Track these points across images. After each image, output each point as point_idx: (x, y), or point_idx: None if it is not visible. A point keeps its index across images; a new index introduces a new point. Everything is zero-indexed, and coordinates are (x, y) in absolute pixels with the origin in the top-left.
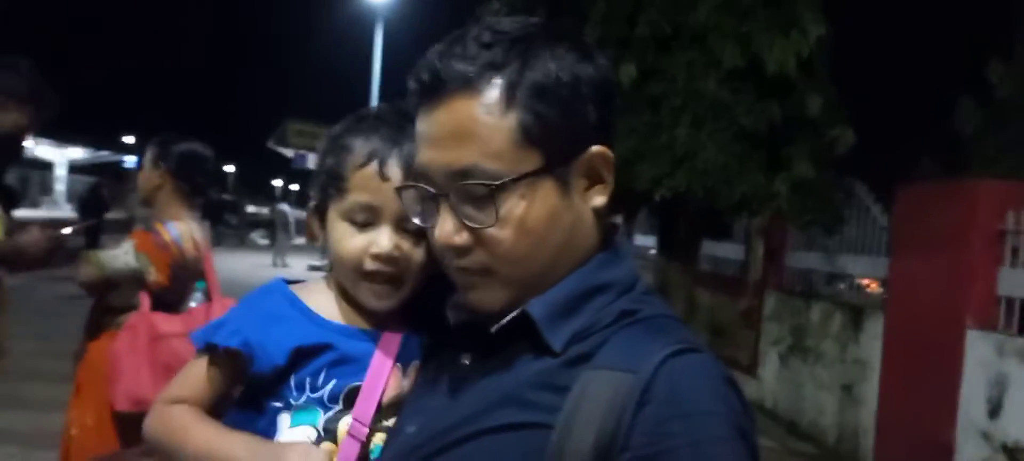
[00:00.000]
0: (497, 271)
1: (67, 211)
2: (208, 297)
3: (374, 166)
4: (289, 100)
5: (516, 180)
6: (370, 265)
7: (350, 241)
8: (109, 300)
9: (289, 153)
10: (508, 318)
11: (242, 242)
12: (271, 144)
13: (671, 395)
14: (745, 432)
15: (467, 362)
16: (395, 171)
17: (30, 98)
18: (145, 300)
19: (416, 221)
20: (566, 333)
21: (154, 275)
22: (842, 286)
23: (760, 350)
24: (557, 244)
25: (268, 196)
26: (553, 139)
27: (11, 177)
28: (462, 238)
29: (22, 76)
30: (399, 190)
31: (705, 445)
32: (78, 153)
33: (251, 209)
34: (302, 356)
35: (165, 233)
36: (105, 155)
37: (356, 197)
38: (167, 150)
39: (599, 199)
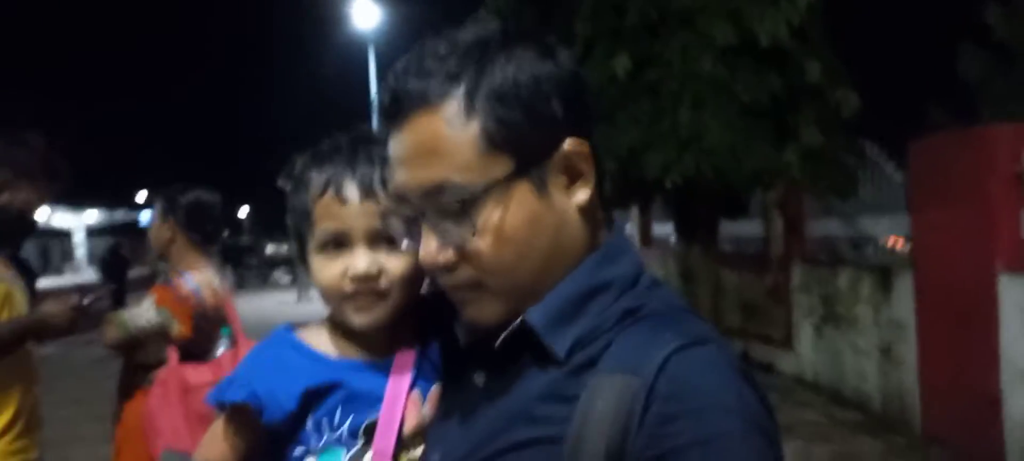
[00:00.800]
0: (486, 284)
1: (90, 275)
2: (234, 342)
3: (331, 192)
4: (296, 136)
5: (487, 188)
6: (350, 287)
7: (328, 270)
8: (138, 358)
9: None
10: (509, 330)
11: (265, 282)
12: (281, 182)
13: (676, 392)
14: (762, 427)
15: (481, 382)
16: (352, 192)
17: (42, 173)
18: (173, 354)
19: (404, 244)
20: (569, 339)
21: (178, 328)
22: (869, 248)
23: (793, 323)
24: (543, 248)
25: (286, 233)
26: (520, 141)
27: (30, 248)
28: (446, 256)
29: (33, 152)
30: (383, 215)
31: (716, 442)
32: (94, 216)
33: (270, 248)
34: (313, 398)
35: (183, 285)
36: (120, 215)
37: (322, 226)
38: (174, 203)
39: (582, 195)
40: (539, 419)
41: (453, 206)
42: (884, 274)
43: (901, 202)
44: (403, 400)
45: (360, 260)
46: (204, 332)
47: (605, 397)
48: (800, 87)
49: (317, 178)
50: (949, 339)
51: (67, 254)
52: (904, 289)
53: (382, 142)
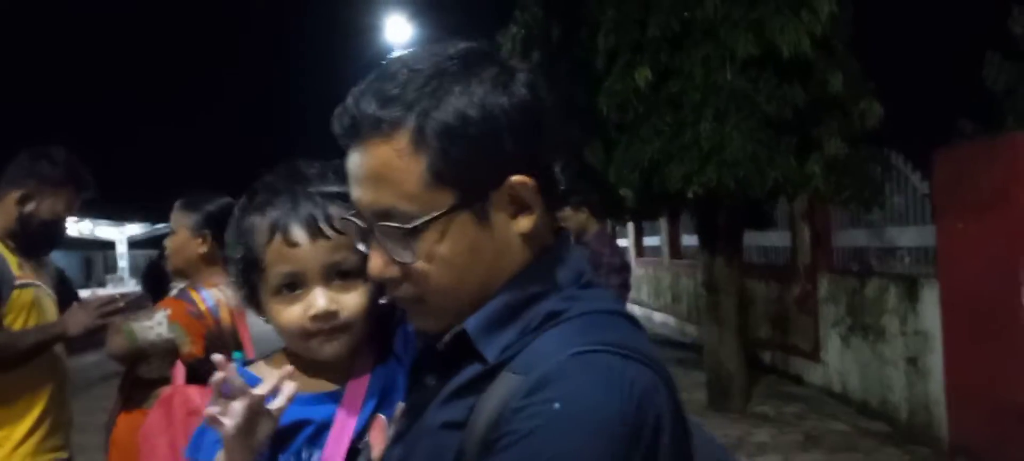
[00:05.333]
0: (427, 301)
1: (132, 286)
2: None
3: (279, 236)
4: (323, 150)
5: (429, 220)
6: (312, 326)
7: (287, 313)
8: (140, 372)
9: None
10: (449, 335)
11: None
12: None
13: (543, 387)
14: (613, 435)
15: (432, 384)
16: (300, 234)
17: (66, 183)
18: (179, 372)
19: (360, 247)
20: (500, 344)
21: (189, 346)
22: (907, 259)
23: (820, 334)
24: (482, 274)
25: None
26: (465, 177)
27: (74, 259)
28: (391, 271)
29: (56, 163)
30: (349, 208)
31: (550, 431)
32: (136, 229)
33: None
34: (280, 439)
35: (200, 302)
36: (162, 228)
37: (275, 270)
38: (209, 215)
39: (525, 224)
40: (452, 407)
41: (397, 231)
42: (910, 284)
43: (927, 213)
44: (352, 424)
45: (318, 299)
46: (216, 354)
47: (498, 390)
48: (823, 98)
49: (261, 224)
50: (976, 350)
51: (110, 265)
52: (931, 299)
53: (317, 178)
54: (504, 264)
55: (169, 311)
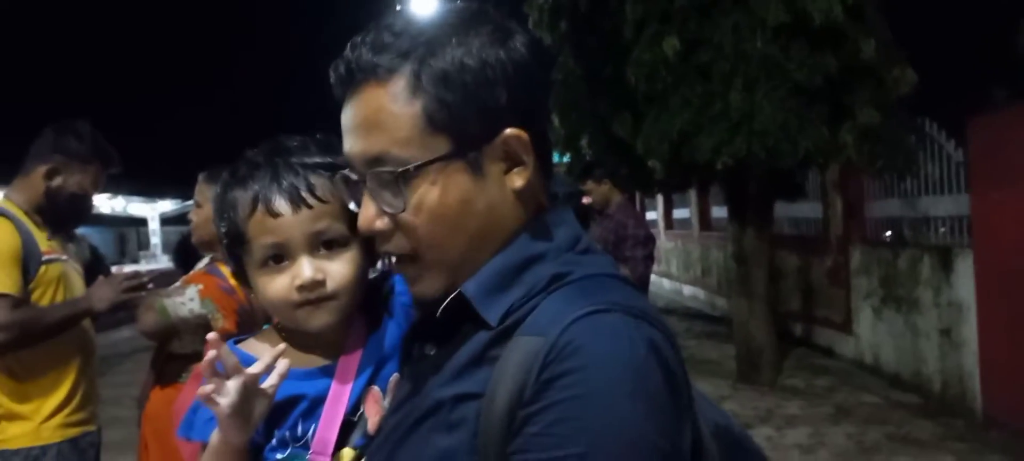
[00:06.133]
0: (420, 256)
1: (164, 262)
2: None
3: (261, 208)
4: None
5: (422, 166)
6: (298, 296)
7: (274, 284)
8: (172, 348)
9: None
10: (448, 300)
11: None
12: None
13: (571, 352)
14: (649, 394)
15: (432, 354)
16: (282, 205)
17: (92, 158)
18: None
19: (351, 207)
20: (501, 307)
21: (221, 322)
22: (942, 229)
23: (852, 306)
24: (474, 228)
25: None
26: (460, 125)
27: (108, 235)
28: (382, 223)
29: (82, 138)
30: (331, 178)
31: (595, 398)
32: (168, 206)
33: None
34: (275, 415)
35: (230, 276)
36: (192, 204)
37: (260, 243)
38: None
39: (519, 180)
40: (466, 378)
41: (390, 178)
42: (944, 255)
43: (962, 182)
44: (345, 397)
45: (304, 268)
46: (248, 328)
47: (514, 357)
48: (855, 66)
49: (243, 197)
50: (1011, 320)
51: (144, 242)
52: (965, 270)
53: (298, 149)
54: (497, 220)
55: (201, 287)
